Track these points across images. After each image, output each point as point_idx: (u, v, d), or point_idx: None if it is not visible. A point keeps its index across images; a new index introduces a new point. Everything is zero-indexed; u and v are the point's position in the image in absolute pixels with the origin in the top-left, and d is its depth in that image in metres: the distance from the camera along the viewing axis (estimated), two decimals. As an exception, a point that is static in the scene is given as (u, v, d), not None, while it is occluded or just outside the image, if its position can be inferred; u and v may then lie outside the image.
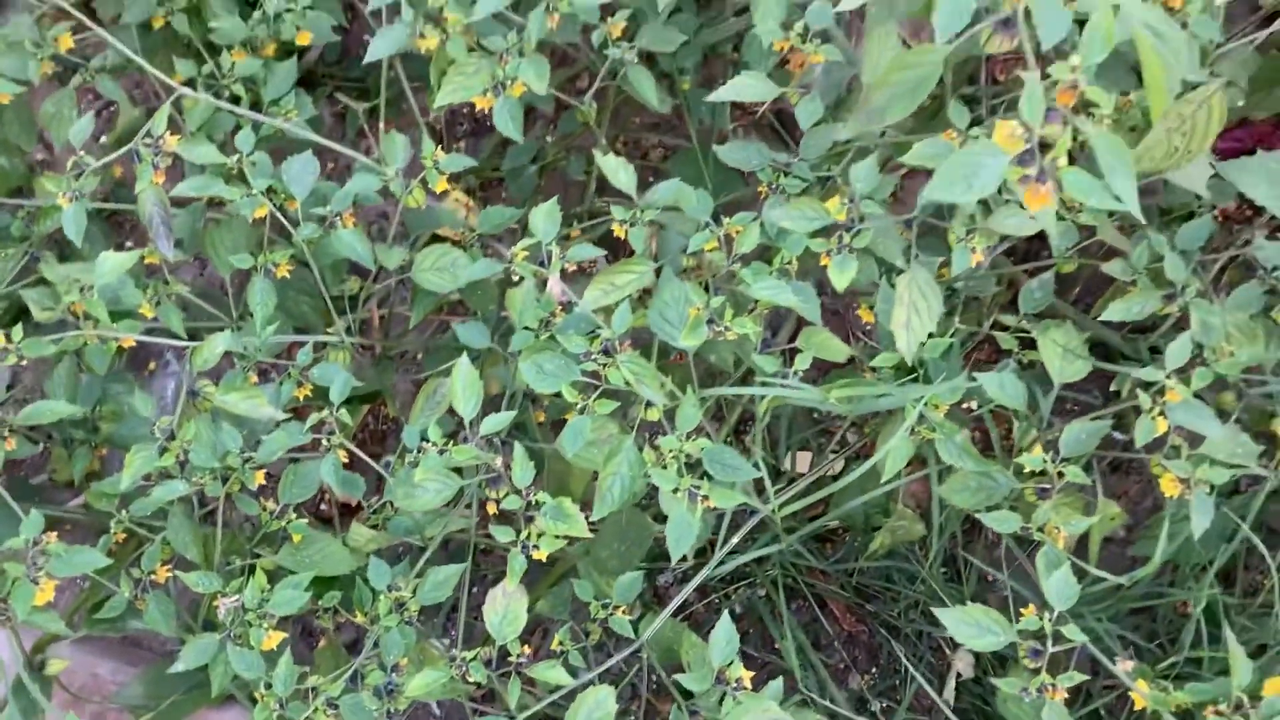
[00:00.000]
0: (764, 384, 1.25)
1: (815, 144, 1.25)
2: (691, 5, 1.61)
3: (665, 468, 1.16)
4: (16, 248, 1.68)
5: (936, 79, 0.94)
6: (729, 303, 1.21)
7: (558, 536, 1.17)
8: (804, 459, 1.67)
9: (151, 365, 1.89)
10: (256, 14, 1.57)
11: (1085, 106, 0.86)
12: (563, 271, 1.24)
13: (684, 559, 1.15)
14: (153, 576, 1.31)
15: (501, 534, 1.18)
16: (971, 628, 1.13)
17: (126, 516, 1.35)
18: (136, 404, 1.30)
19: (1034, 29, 0.87)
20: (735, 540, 1.33)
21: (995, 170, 0.78)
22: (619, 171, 1.25)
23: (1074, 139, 0.81)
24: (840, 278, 1.15)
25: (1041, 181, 0.78)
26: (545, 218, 1.23)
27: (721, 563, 1.35)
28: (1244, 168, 1.30)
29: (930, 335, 1.20)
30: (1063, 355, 1.25)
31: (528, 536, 1.17)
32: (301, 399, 1.37)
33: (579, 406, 1.16)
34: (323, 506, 1.80)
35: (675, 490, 1.14)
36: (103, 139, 1.98)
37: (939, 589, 1.51)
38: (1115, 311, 1.25)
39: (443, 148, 1.47)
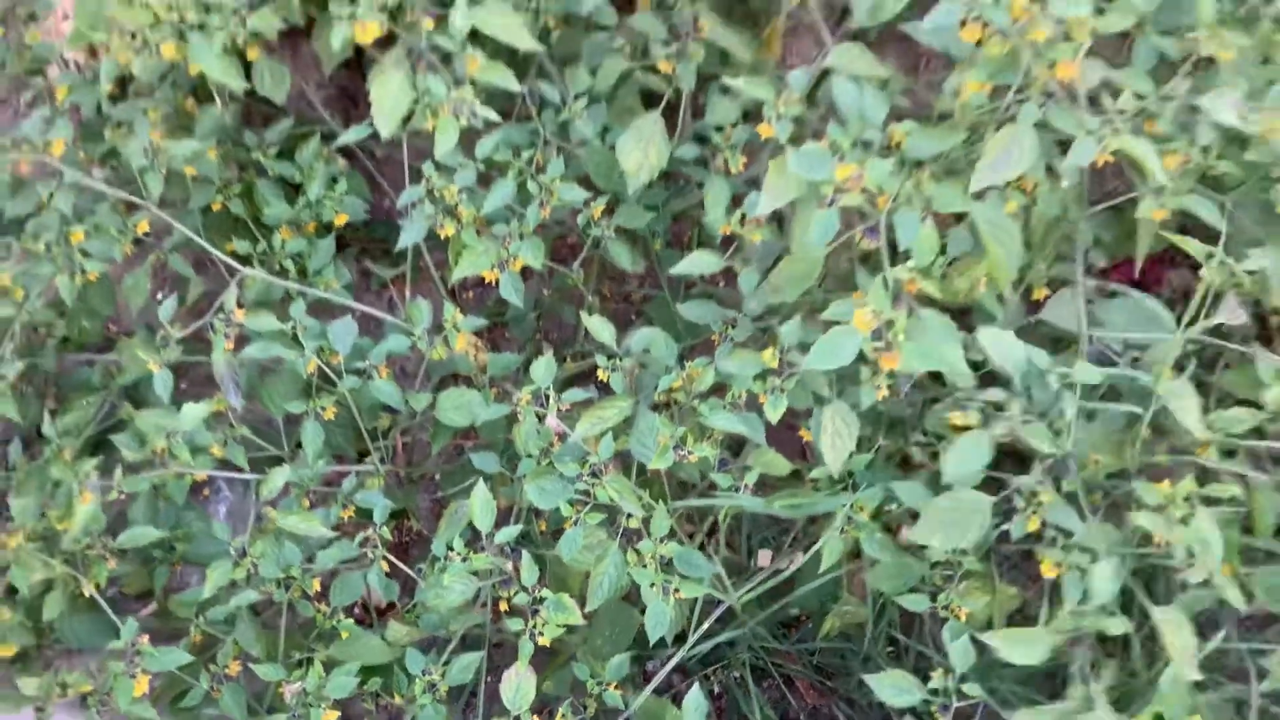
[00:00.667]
0: (722, 495, 1.55)
1: (754, 304, 1.57)
2: (661, 180, 1.95)
3: (644, 567, 1.45)
4: (96, 396, 2.00)
5: (818, 271, 1.26)
6: (693, 430, 1.52)
7: (559, 625, 1.46)
8: (765, 555, 1.96)
9: (205, 492, 2.19)
10: (300, 199, 1.91)
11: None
12: (558, 410, 1.55)
13: (665, 644, 1.44)
14: (226, 670, 1.59)
15: (513, 624, 1.47)
16: (893, 689, 1.42)
17: (203, 621, 1.63)
18: (214, 529, 1.59)
19: (893, 233, 1.20)
20: (706, 626, 1.62)
21: (853, 346, 1.10)
22: (601, 330, 1.57)
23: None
24: (773, 413, 1.47)
25: (890, 350, 1.10)
26: (544, 369, 1.55)
27: (695, 645, 1.64)
28: (1113, 308, 1.62)
29: (853, 453, 1.50)
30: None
31: (534, 626, 1.46)
32: (346, 519, 1.66)
33: (573, 519, 1.46)
34: (357, 610, 2.08)
35: (652, 585, 1.44)
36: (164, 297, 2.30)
37: (883, 663, 1.79)
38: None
39: (455, 299, 1.79)
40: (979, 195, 1.26)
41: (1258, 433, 1.46)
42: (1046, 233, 1.50)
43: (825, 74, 1.45)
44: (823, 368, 1.09)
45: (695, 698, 1.44)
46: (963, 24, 1.24)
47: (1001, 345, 1.35)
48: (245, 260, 1.81)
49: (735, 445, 1.92)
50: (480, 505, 1.48)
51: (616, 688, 1.56)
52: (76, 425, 1.91)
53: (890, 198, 1.22)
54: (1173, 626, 1.31)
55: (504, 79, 1.53)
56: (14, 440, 1.94)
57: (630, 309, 2.24)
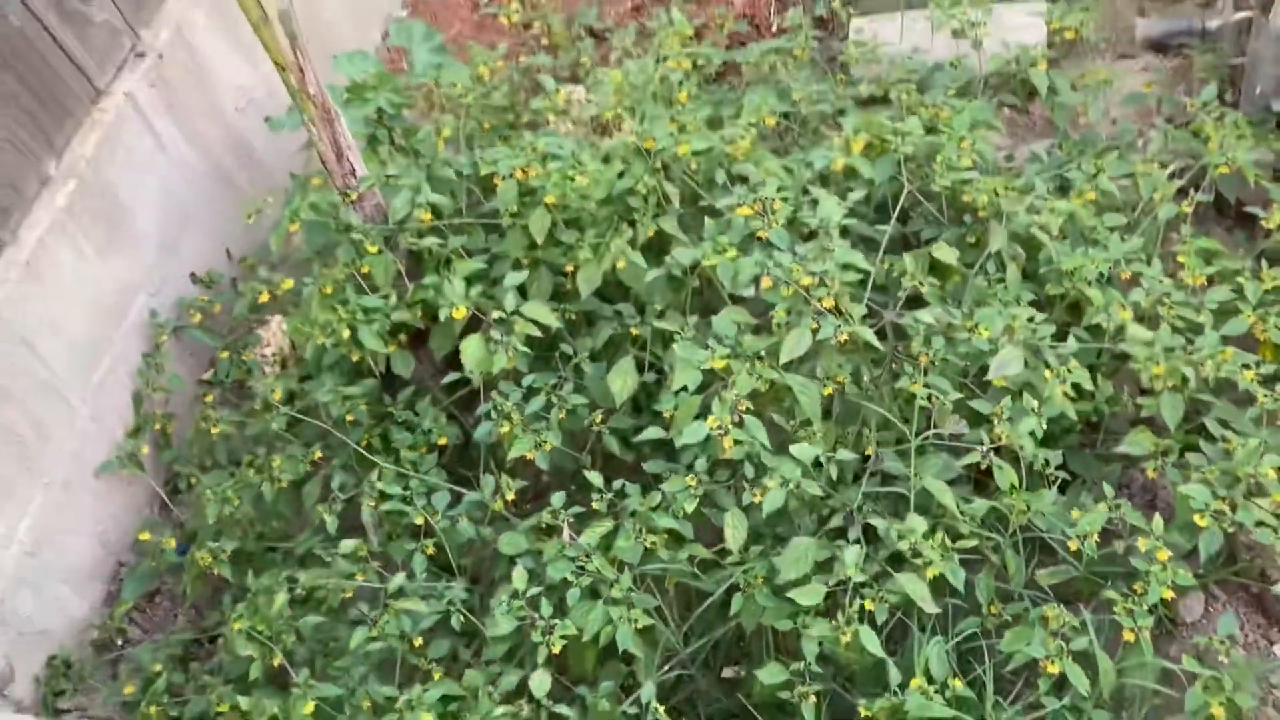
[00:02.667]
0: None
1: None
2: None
3: (615, 604, 2.37)
4: (281, 567, 3.02)
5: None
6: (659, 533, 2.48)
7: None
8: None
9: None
10: (418, 432, 3.00)
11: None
12: (568, 523, 2.53)
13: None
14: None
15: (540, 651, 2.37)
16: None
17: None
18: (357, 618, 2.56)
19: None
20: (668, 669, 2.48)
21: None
22: (595, 479, 2.58)
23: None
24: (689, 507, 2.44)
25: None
26: (559, 499, 2.55)
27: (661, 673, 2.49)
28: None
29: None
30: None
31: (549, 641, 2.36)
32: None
33: (573, 582, 2.40)
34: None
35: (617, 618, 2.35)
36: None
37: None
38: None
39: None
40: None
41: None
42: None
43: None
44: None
45: (650, 688, 2.30)
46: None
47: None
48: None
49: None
50: (518, 577, 2.43)
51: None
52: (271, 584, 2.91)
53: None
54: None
55: (545, 318, 2.65)
56: (226, 595, 2.96)
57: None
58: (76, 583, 3.16)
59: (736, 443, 2.30)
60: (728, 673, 2.80)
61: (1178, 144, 3.01)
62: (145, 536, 3.16)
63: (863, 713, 2.24)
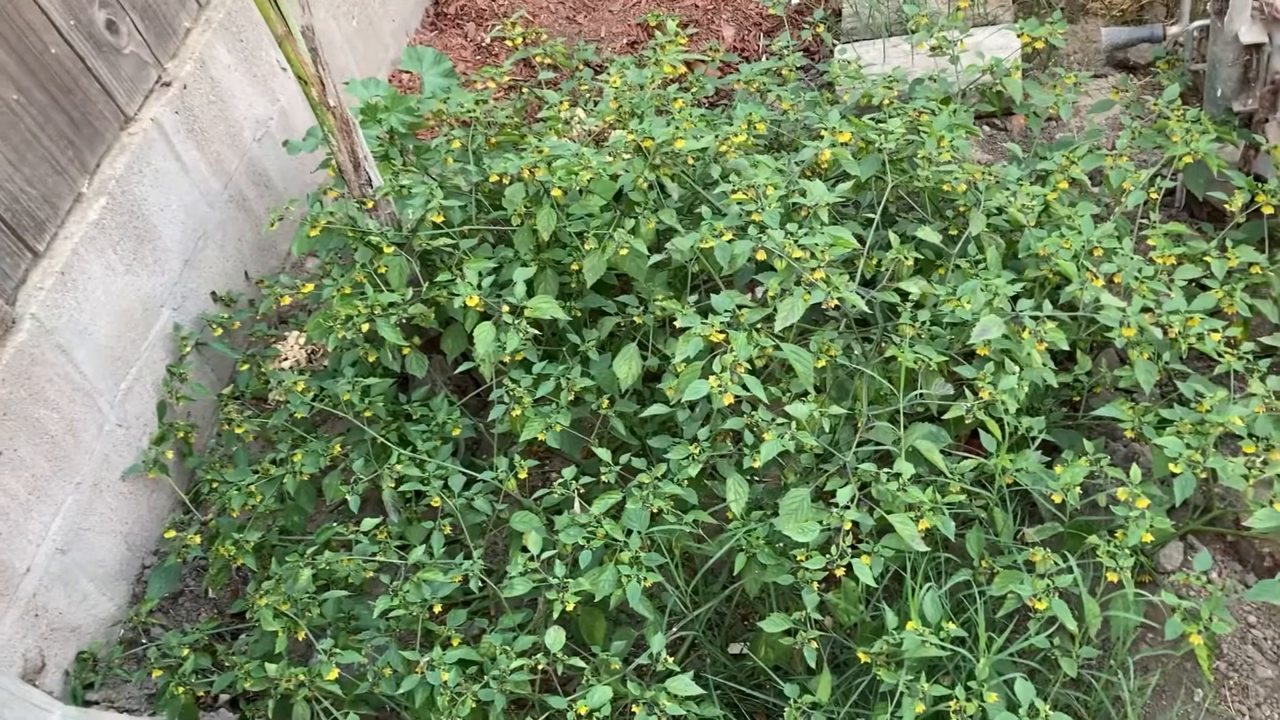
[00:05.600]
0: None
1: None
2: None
3: (625, 564, 2.50)
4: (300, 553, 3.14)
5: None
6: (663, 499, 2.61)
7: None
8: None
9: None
10: (433, 424, 3.15)
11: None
12: (579, 493, 2.66)
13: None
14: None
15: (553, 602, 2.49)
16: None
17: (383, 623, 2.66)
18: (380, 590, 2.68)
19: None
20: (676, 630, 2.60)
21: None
22: (603, 454, 2.72)
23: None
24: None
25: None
26: (570, 472, 2.69)
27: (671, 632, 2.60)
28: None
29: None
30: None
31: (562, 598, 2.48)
32: (459, 582, 2.73)
33: (585, 545, 2.53)
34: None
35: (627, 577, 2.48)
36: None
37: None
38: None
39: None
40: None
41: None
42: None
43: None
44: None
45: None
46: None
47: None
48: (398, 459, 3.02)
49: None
50: (533, 541, 2.56)
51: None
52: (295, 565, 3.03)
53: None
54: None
55: (553, 311, 2.81)
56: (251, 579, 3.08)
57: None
58: (104, 581, 3.28)
59: (735, 403, 2.44)
60: (734, 648, 2.91)
61: (1145, 140, 3.20)
62: (171, 534, 3.29)
63: (861, 658, 2.37)
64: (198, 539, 3.27)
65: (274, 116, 4.20)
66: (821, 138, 2.97)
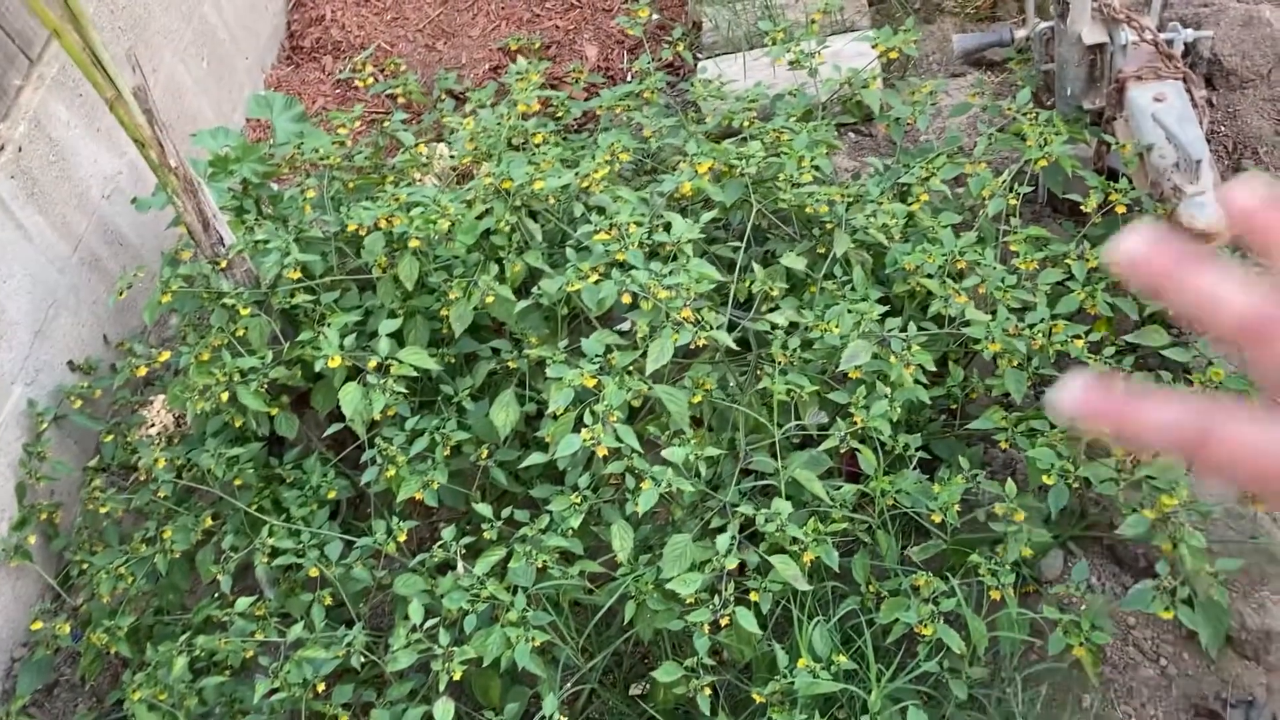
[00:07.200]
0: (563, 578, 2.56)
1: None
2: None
3: (512, 625, 2.43)
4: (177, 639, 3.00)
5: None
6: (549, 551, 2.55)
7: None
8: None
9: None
10: (307, 489, 3.04)
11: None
12: (460, 554, 2.59)
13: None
14: (268, 757, 2.49)
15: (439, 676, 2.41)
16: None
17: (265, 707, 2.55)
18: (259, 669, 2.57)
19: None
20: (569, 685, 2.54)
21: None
22: (484, 510, 2.65)
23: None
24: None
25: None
26: (451, 533, 2.61)
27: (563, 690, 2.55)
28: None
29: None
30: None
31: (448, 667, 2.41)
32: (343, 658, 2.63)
33: (469, 611, 2.46)
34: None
35: (515, 637, 2.41)
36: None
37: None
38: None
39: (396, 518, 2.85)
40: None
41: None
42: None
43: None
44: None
45: (552, 701, 2.36)
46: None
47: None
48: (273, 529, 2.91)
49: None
50: (414, 610, 2.48)
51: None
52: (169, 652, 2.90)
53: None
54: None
55: (422, 362, 2.73)
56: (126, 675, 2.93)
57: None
58: (-32, 683, 3.10)
59: (612, 452, 2.40)
60: (635, 690, 2.87)
61: (1002, 144, 3.24)
62: (38, 625, 3.12)
63: (756, 698, 2.34)
64: (67, 627, 3.10)
65: (123, 170, 4.02)
66: (681, 169, 2.94)
